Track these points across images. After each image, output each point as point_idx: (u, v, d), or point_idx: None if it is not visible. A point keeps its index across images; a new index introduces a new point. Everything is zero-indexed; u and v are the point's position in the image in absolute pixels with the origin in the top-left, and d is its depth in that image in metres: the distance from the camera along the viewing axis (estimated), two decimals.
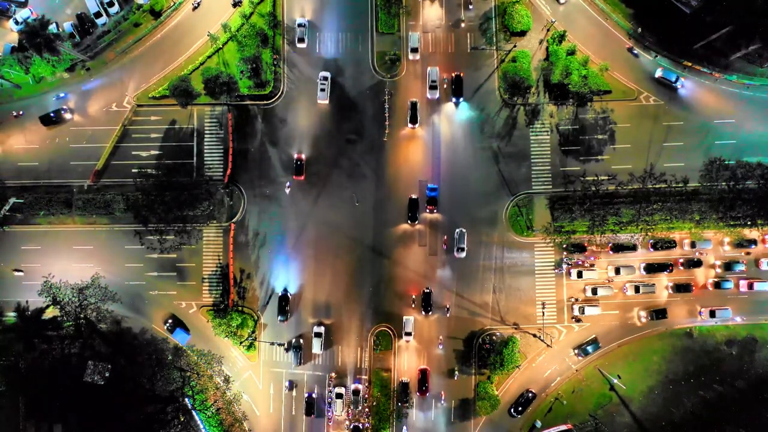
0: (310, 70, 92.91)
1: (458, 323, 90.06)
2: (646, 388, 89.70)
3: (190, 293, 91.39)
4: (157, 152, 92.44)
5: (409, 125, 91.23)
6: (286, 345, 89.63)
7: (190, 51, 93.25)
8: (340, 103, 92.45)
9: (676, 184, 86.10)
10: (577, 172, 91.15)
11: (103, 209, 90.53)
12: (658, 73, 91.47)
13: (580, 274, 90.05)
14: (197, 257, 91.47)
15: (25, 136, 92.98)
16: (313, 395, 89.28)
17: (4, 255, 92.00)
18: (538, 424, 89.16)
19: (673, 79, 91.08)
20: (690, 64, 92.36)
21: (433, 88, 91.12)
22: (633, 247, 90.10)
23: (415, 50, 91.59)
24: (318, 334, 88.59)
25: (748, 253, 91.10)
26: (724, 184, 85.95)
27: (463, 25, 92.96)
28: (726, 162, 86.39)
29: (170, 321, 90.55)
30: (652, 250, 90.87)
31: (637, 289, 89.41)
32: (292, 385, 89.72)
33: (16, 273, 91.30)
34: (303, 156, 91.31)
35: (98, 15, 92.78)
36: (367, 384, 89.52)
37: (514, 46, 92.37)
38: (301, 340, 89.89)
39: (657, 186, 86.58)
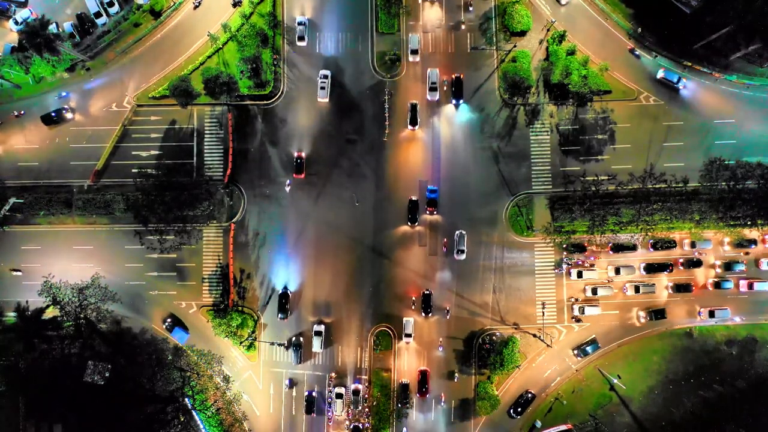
0: (310, 70, 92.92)
1: (458, 323, 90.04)
2: (646, 388, 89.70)
3: (190, 293, 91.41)
4: (157, 152, 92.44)
5: (409, 127, 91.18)
6: (286, 343, 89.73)
7: (190, 51, 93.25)
8: (340, 102, 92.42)
9: (676, 184, 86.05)
10: (577, 172, 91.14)
11: (103, 209, 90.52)
12: (660, 74, 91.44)
13: (580, 274, 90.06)
14: (197, 257, 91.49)
15: (25, 136, 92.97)
16: (313, 393, 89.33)
17: (4, 255, 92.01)
18: (538, 424, 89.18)
19: (675, 80, 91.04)
20: (690, 64, 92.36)
21: (433, 89, 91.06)
22: (633, 247, 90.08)
23: (415, 52, 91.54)
24: (318, 333, 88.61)
25: (747, 253, 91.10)
26: (724, 184, 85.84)
27: (463, 26, 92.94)
28: (726, 162, 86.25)
29: (169, 320, 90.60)
30: (652, 250, 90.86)
31: (637, 289, 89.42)
32: (292, 383, 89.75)
33: (15, 273, 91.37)
34: (303, 154, 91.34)
35: (98, 15, 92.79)
36: (367, 384, 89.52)
37: (514, 46, 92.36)
38: (301, 339, 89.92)
39: (657, 186, 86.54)
